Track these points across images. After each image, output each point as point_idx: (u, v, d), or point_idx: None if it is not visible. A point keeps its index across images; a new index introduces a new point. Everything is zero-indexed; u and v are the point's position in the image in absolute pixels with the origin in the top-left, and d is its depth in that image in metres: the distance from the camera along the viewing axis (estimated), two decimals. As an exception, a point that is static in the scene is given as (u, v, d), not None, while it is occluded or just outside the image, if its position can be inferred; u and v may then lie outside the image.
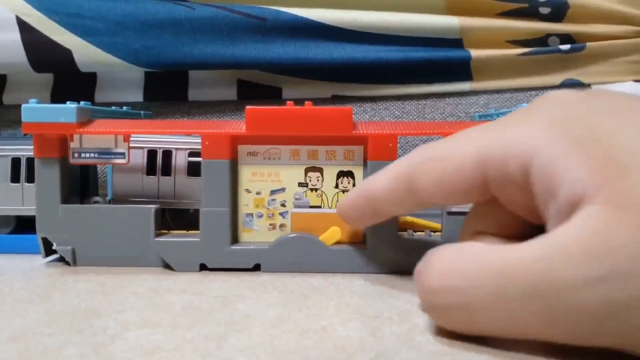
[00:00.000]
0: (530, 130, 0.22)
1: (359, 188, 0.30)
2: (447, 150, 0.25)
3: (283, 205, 0.36)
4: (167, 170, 0.39)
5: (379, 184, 0.28)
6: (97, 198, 0.39)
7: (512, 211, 0.24)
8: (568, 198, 0.20)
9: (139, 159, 0.39)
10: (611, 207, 0.19)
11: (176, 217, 0.40)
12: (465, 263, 0.22)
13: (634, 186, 0.19)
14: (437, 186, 0.25)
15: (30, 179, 0.39)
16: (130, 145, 0.36)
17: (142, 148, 0.39)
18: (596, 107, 0.22)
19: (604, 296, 0.18)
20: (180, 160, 0.39)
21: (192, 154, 0.39)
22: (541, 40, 0.55)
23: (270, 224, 0.36)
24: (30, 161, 0.39)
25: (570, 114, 0.22)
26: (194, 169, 0.38)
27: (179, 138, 0.39)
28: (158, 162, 0.39)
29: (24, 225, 0.40)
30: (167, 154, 0.39)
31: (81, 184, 0.40)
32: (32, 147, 0.35)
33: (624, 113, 0.21)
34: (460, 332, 0.23)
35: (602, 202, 0.19)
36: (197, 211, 0.35)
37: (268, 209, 0.36)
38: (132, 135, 0.36)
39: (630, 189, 0.19)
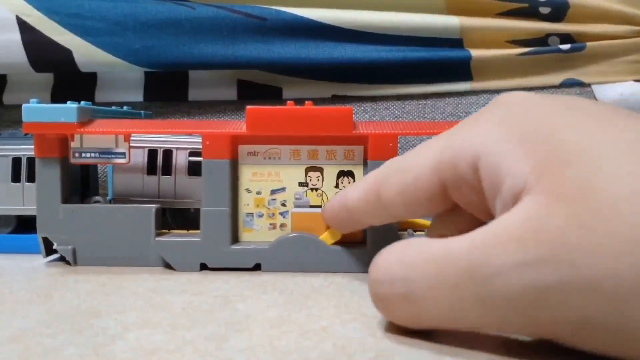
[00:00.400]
0: (478, 131, 0.23)
1: (338, 197, 0.31)
2: (409, 163, 0.26)
3: (283, 205, 0.36)
4: (167, 169, 0.39)
5: (353, 194, 0.29)
6: (97, 198, 0.39)
7: (471, 214, 0.25)
8: (511, 191, 0.20)
9: (140, 158, 0.39)
10: (547, 197, 0.19)
11: (177, 217, 0.40)
12: (410, 254, 0.22)
13: (572, 177, 0.19)
14: (400, 198, 0.26)
15: (30, 178, 0.39)
16: (131, 144, 0.36)
17: (142, 148, 0.39)
18: (545, 106, 0.22)
19: (533, 281, 0.18)
20: (180, 159, 0.39)
21: (193, 153, 0.39)
22: (541, 40, 0.55)
23: (270, 224, 0.36)
24: (30, 161, 0.39)
25: (517, 113, 0.22)
26: (194, 169, 0.38)
27: (179, 138, 0.39)
28: (158, 162, 0.39)
29: (25, 225, 0.40)
30: (168, 153, 0.39)
31: (81, 184, 0.40)
32: (32, 146, 0.35)
33: (572, 112, 0.22)
34: (406, 325, 0.23)
35: (539, 192, 0.19)
36: (197, 211, 0.35)
37: (268, 208, 0.36)
38: (132, 134, 0.36)
39: (568, 179, 0.19)
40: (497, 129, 0.22)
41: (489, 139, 0.22)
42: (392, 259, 0.23)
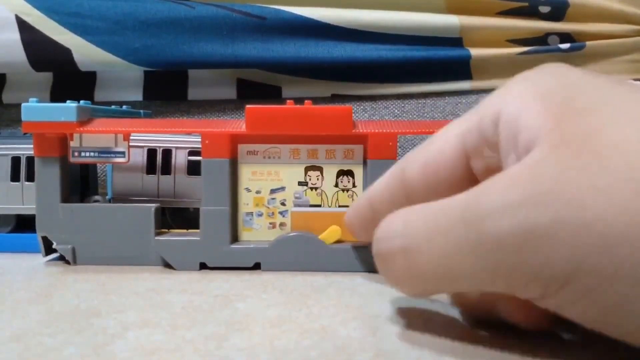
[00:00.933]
0: (504, 91, 0.23)
1: (363, 194, 0.30)
2: (434, 137, 0.26)
3: (283, 204, 0.36)
4: (167, 169, 0.39)
5: (378, 182, 0.28)
6: (97, 197, 0.39)
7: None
8: (524, 143, 0.20)
9: (139, 157, 0.39)
10: (552, 143, 0.19)
11: (176, 216, 0.40)
12: (412, 212, 0.22)
13: (579, 125, 0.19)
14: (422, 172, 0.25)
15: (30, 178, 0.39)
16: (130, 144, 0.36)
17: (142, 147, 0.39)
18: (573, 73, 0.22)
19: (524, 221, 0.18)
20: (180, 159, 0.39)
21: (192, 152, 0.39)
22: (541, 39, 0.55)
23: (270, 223, 0.36)
24: (30, 160, 0.39)
25: (540, 74, 0.22)
26: (194, 168, 0.38)
27: (178, 137, 0.39)
28: (158, 161, 0.39)
29: (24, 224, 0.40)
30: (167, 152, 0.39)
31: (81, 184, 0.40)
32: (32, 146, 0.35)
33: (593, 75, 0.22)
34: (402, 282, 0.22)
35: (547, 141, 0.19)
36: (197, 210, 0.35)
37: (268, 207, 0.36)
38: (131, 134, 0.36)
39: (575, 128, 0.19)
40: (519, 87, 0.22)
41: (511, 95, 0.22)
42: (395, 219, 0.23)
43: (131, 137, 0.36)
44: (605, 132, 0.18)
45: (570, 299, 0.18)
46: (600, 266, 0.17)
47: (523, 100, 0.21)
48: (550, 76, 0.22)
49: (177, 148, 0.39)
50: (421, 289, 0.22)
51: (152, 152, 0.39)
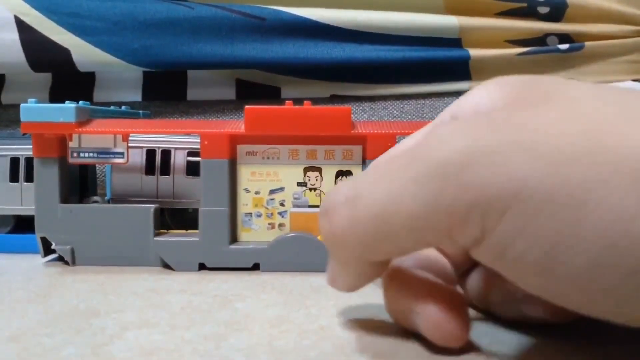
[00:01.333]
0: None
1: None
2: None
3: (282, 204, 0.36)
4: (165, 169, 0.39)
5: None
6: (95, 198, 0.39)
7: None
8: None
9: (138, 158, 0.39)
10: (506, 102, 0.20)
11: (175, 217, 0.40)
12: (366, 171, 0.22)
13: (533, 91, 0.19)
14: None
15: (28, 178, 0.39)
16: (129, 144, 0.36)
17: (141, 148, 0.39)
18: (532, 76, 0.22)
19: (470, 141, 0.18)
20: (179, 159, 0.39)
21: (191, 153, 0.39)
22: (540, 40, 0.55)
23: (269, 224, 0.36)
24: (28, 161, 0.39)
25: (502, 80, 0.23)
26: (192, 169, 0.38)
27: (177, 137, 0.39)
28: (157, 162, 0.39)
29: (23, 225, 0.40)
30: (166, 153, 0.39)
31: (80, 184, 0.39)
32: (30, 146, 0.35)
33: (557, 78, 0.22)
34: (341, 238, 0.20)
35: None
36: (196, 211, 0.35)
37: (267, 208, 0.36)
38: (130, 134, 0.36)
39: (529, 94, 0.19)
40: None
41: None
42: (346, 180, 0.22)
43: (130, 138, 0.36)
44: (558, 91, 0.19)
45: (511, 234, 0.17)
46: (544, 186, 0.16)
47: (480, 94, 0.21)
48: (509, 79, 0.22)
49: (176, 149, 0.39)
50: (359, 247, 0.20)
51: (151, 153, 0.39)
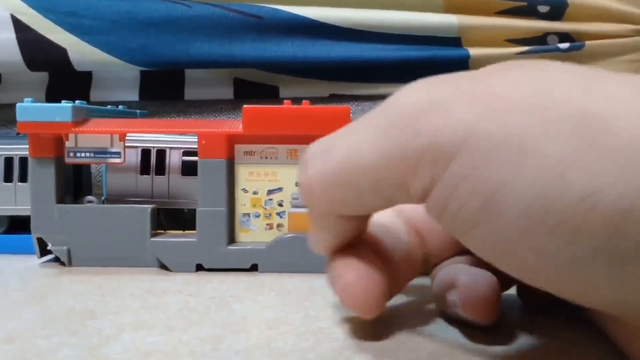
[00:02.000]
0: None
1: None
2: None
3: (280, 205, 0.35)
4: (161, 169, 0.39)
5: None
6: (90, 197, 0.39)
7: None
8: None
9: (133, 158, 0.38)
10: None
11: (171, 217, 0.39)
12: None
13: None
14: None
15: (23, 178, 0.39)
16: (125, 144, 0.36)
17: (135, 147, 0.38)
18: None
19: (427, 93, 0.19)
20: (174, 159, 0.39)
21: (187, 153, 0.38)
22: (540, 39, 0.55)
23: (267, 224, 0.35)
24: (23, 161, 0.39)
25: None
26: (188, 169, 0.38)
27: (173, 137, 0.39)
28: (152, 162, 0.39)
29: (17, 225, 0.40)
30: (161, 153, 0.39)
31: (75, 184, 0.39)
32: (24, 146, 0.35)
33: None
34: (312, 185, 0.21)
35: None
36: (191, 211, 0.35)
37: (265, 208, 0.35)
38: (126, 134, 0.35)
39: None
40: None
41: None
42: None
43: (125, 138, 0.36)
44: (528, 63, 0.19)
45: (454, 181, 0.17)
46: (490, 133, 0.17)
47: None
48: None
49: (171, 148, 0.39)
50: (327, 198, 0.21)
51: (146, 153, 0.39)
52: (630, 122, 0.16)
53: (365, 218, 0.23)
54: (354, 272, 0.22)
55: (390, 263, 0.24)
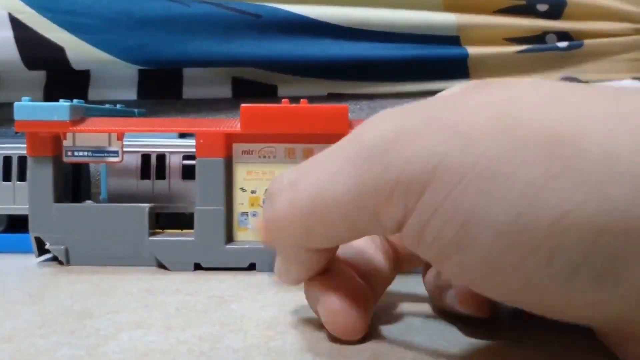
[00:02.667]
0: None
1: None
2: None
3: (279, 204, 0.35)
4: (161, 173, 0.39)
5: None
6: (89, 202, 0.38)
7: None
8: None
9: (133, 162, 0.38)
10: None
11: (171, 221, 0.39)
12: None
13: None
14: None
15: (21, 177, 0.39)
16: (124, 150, 0.35)
17: (136, 153, 0.38)
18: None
19: (395, 123, 0.19)
20: (174, 163, 0.39)
21: (187, 157, 0.38)
22: (539, 38, 0.55)
23: (265, 223, 0.35)
24: (21, 160, 0.39)
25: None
26: (189, 172, 0.38)
27: (172, 141, 0.39)
28: (152, 166, 0.39)
29: (16, 224, 0.40)
30: (161, 157, 0.39)
31: (74, 186, 0.39)
32: (23, 145, 0.35)
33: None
34: (281, 220, 0.21)
35: None
36: (192, 215, 0.35)
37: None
38: (125, 139, 0.35)
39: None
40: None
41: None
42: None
43: (125, 143, 0.35)
44: (498, 82, 0.20)
45: (428, 211, 0.17)
46: (460, 161, 0.17)
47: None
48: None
49: (171, 153, 0.39)
50: (298, 232, 0.21)
51: (146, 157, 0.39)
52: (601, 140, 0.16)
53: (336, 247, 0.23)
54: (337, 299, 0.22)
55: (366, 279, 0.24)
